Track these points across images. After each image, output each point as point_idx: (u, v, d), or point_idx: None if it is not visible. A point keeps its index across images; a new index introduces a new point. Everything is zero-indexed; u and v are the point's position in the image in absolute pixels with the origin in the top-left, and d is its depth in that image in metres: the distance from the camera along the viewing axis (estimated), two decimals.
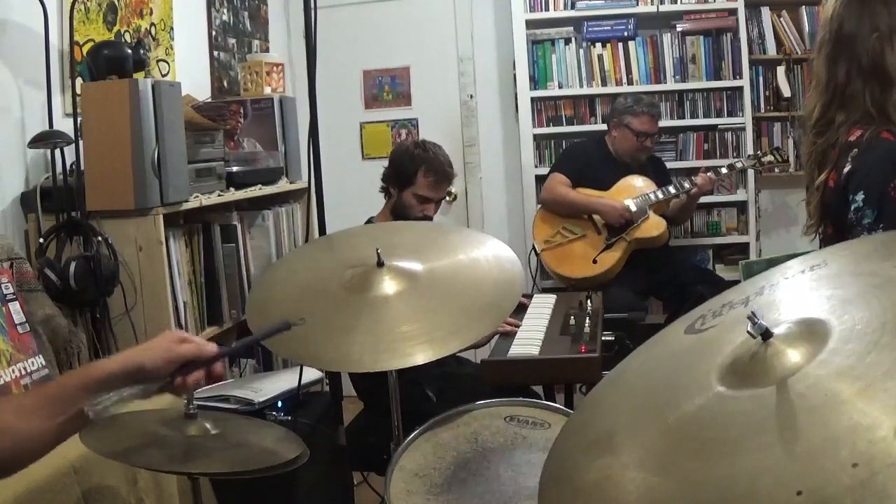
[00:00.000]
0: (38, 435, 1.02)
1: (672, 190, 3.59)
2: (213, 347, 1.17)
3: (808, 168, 1.73)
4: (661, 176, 3.74)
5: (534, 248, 3.73)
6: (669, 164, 3.93)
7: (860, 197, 1.56)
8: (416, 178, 2.67)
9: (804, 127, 1.74)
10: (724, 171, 3.64)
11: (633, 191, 3.60)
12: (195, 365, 1.14)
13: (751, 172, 3.86)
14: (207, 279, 2.65)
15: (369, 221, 2.73)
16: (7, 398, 1.13)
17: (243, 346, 1.35)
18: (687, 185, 3.60)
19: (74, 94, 2.40)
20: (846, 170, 1.60)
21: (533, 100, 4.07)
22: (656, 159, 3.85)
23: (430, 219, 2.75)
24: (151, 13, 2.99)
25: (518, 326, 2.36)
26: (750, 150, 3.91)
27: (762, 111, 3.99)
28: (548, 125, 4.11)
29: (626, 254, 3.55)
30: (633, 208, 3.53)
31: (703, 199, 3.75)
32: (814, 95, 1.69)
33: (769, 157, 3.68)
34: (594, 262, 3.54)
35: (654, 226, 3.56)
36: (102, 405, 1.04)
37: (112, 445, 1.39)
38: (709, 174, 3.58)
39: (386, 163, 2.82)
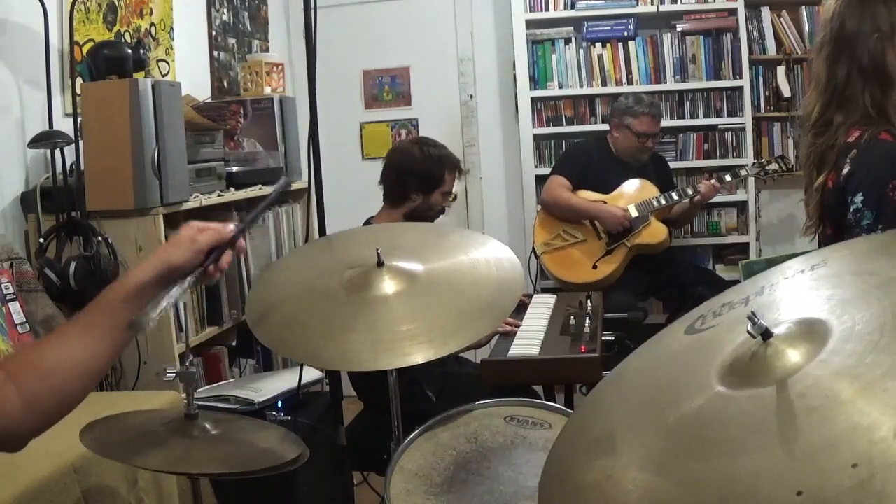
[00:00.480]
0: (96, 358, 1.04)
1: (675, 196, 3.57)
2: (231, 227, 1.21)
3: (807, 169, 1.73)
4: (663, 176, 3.73)
5: (534, 250, 3.72)
6: (669, 164, 3.93)
7: (859, 198, 1.56)
8: (445, 178, 2.73)
9: (803, 127, 1.73)
10: (727, 178, 3.63)
11: (636, 196, 3.59)
12: (221, 248, 1.18)
13: None
14: None
15: (367, 223, 2.73)
16: (45, 338, 1.14)
17: (258, 214, 1.40)
18: (690, 191, 3.59)
19: (74, 94, 2.40)
20: (845, 171, 1.60)
21: (533, 100, 4.06)
22: (659, 158, 3.83)
23: (445, 210, 2.83)
24: (151, 13, 2.99)
25: (517, 326, 2.36)
26: (750, 150, 3.91)
27: (762, 111, 3.99)
28: (548, 125, 4.11)
29: (626, 259, 3.53)
30: (635, 214, 3.52)
31: None
32: (813, 96, 1.69)
33: (773, 166, 3.66)
34: (594, 267, 3.53)
35: (655, 232, 3.55)
36: (149, 316, 1.06)
37: (112, 445, 1.40)
38: (712, 182, 3.57)
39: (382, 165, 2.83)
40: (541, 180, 3.92)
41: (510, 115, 4.26)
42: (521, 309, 2.57)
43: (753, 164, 3.74)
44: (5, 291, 2.02)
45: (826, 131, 1.64)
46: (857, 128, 1.60)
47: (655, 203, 3.56)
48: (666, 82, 4.00)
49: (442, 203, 2.78)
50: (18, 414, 0.96)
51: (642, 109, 3.55)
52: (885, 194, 1.53)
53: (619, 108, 3.63)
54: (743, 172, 3.68)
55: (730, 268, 3.94)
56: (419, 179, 2.72)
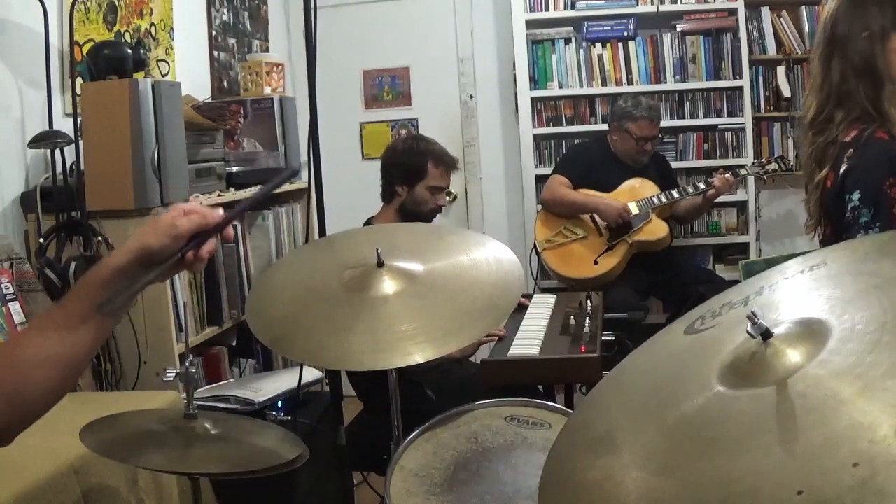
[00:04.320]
0: (76, 349, 1.01)
1: (676, 194, 3.59)
2: (218, 213, 1.11)
3: (808, 167, 1.73)
4: (664, 175, 3.74)
5: (535, 247, 3.73)
6: (670, 164, 3.93)
7: (856, 196, 1.56)
8: (427, 171, 2.70)
9: (802, 127, 1.74)
10: (742, 172, 3.64)
11: (637, 194, 3.60)
12: (204, 235, 1.08)
13: None
14: (207, 279, 2.65)
15: (368, 223, 2.73)
16: (24, 331, 1.11)
17: (251, 202, 1.26)
18: (691, 189, 3.60)
19: (74, 94, 2.40)
20: (843, 169, 1.60)
21: (533, 100, 4.06)
22: (660, 158, 3.84)
23: (441, 209, 2.78)
24: (151, 13, 2.99)
25: (502, 336, 2.32)
26: (750, 150, 3.91)
27: (762, 111, 3.99)
28: (548, 125, 4.11)
29: (627, 256, 3.54)
30: (636, 211, 3.53)
31: None
32: (811, 95, 1.70)
33: (773, 166, 3.67)
34: (595, 263, 3.54)
35: (656, 229, 3.55)
36: (120, 298, 1.01)
37: (112, 445, 1.40)
38: (726, 175, 3.57)
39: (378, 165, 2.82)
40: (541, 180, 3.92)
41: (510, 115, 4.26)
42: (520, 309, 2.57)
43: (753, 163, 3.74)
44: (5, 291, 2.02)
45: (826, 128, 1.65)
46: (856, 126, 1.61)
47: (656, 200, 3.57)
48: (666, 82, 4.00)
49: (432, 200, 2.72)
50: (1, 409, 0.95)
51: (640, 114, 3.55)
52: (882, 191, 1.53)
53: (618, 112, 3.63)
54: (743, 172, 3.68)
55: (730, 268, 3.94)
56: (401, 171, 2.71)
